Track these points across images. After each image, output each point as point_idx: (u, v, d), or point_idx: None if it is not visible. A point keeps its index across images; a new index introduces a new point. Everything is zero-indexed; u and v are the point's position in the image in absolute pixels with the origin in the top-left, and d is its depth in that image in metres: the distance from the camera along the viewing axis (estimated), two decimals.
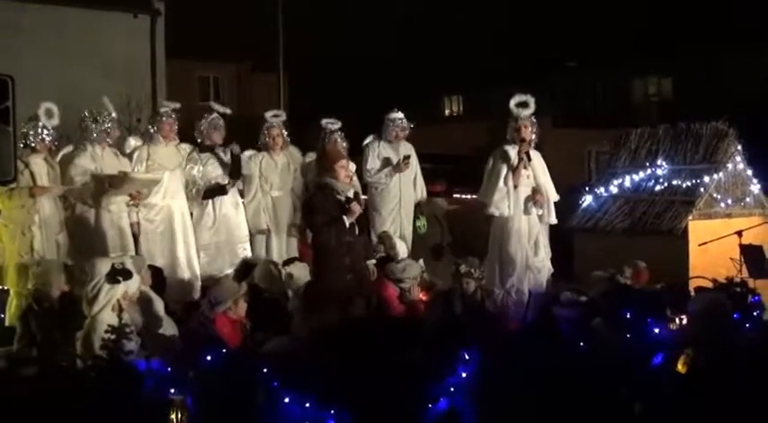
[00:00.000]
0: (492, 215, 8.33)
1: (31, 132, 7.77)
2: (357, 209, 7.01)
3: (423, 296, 7.90)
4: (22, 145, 7.71)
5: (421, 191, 9.63)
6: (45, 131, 7.84)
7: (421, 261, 8.35)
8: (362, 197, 7.44)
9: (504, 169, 8.25)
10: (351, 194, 7.13)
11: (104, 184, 7.90)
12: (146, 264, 7.18)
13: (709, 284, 7.57)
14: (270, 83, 22.13)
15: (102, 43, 18.70)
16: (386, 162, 9.32)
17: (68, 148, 8.31)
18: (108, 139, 8.15)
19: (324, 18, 29.43)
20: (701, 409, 5.15)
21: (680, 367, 5.57)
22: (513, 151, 8.27)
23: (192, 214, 8.64)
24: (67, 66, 17.79)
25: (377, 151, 9.35)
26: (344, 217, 6.92)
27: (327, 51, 31.08)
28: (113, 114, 8.25)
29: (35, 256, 7.57)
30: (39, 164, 7.80)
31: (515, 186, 8.23)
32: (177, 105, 8.67)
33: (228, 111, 8.86)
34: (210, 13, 26.75)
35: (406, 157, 9.25)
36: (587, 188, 10.90)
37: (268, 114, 9.17)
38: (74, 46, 18.25)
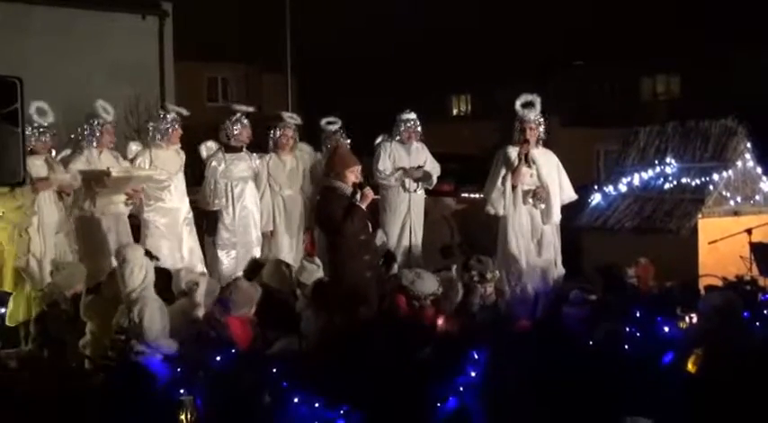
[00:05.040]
0: (494, 214, 8.34)
1: (29, 134, 7.50)
2: (370, 194, 6.94)
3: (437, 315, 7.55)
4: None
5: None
6: (41, 131, 7.80)
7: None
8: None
9: (504, 169, 8.29)
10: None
11: (90, 184, 7.90)
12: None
13: (720, 283, 7.55)
14: (278, 83, 22.15)
15: (110, 45, 18.78)
16: (397, 163, 9.27)
17: (66, 152, 8.33)
18: (106, 142, 8.16)
19: (331, 18, 29.44)
20: (711, 408, 5.13)
21: (690, 366, 5.56)
22: (514, 152, 8.29)
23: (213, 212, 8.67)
24: (76, 67, 17.87)
25: (388, 151, 9.27)
26: (360, 204, 6.84)
27: (335, 51, 31.08)
28: (109, 117, 8.25)
29: (32, 258, 7.56)
30: (38, 166, 7.71)
31: (514, 187, 8.24)
32: (185, 112, 8.75)
33: (251, 109, 8.96)
34: (218, 14, 26.81)
35: (420, 167, 9.22)
36: (596, 187, 10.86)
37: (286, 114, 9.25)
38: (82, 47, 18.34)
